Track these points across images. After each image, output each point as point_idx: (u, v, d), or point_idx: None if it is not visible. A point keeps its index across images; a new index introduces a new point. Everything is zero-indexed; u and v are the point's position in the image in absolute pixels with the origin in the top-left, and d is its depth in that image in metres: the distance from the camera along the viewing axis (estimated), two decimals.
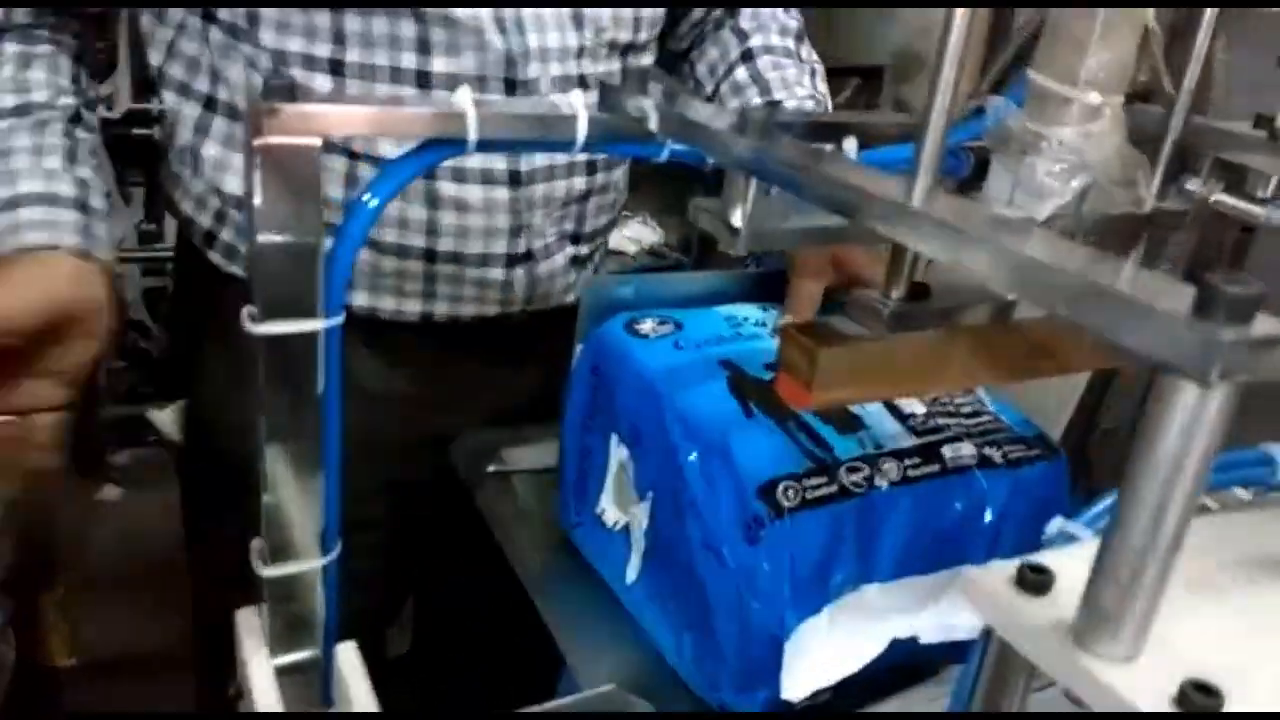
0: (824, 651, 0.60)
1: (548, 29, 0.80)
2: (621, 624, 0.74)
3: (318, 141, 0.46)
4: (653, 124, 0.51)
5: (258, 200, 0.46)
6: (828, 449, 0.62)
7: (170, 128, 0.86)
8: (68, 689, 1.97)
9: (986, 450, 0.65)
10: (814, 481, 0.60)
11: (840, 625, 0.61)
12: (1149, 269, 0.59)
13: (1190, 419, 0.26)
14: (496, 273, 0.88)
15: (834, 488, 0.60)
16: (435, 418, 0.95)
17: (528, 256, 0.88)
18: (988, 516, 0.64)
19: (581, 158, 0.87)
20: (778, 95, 0.96)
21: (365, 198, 0.50)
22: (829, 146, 0.54)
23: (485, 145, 0.50)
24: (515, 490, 0.92)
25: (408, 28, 0.76)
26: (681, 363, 0.68)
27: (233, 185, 0.84)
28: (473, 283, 0.88)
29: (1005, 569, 0.32)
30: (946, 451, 0.64)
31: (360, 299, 0.86)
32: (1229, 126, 0.74)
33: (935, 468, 0.63)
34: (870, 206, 0.38)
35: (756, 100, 0.97)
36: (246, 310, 0.48)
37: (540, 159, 0.84)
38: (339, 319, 0.50)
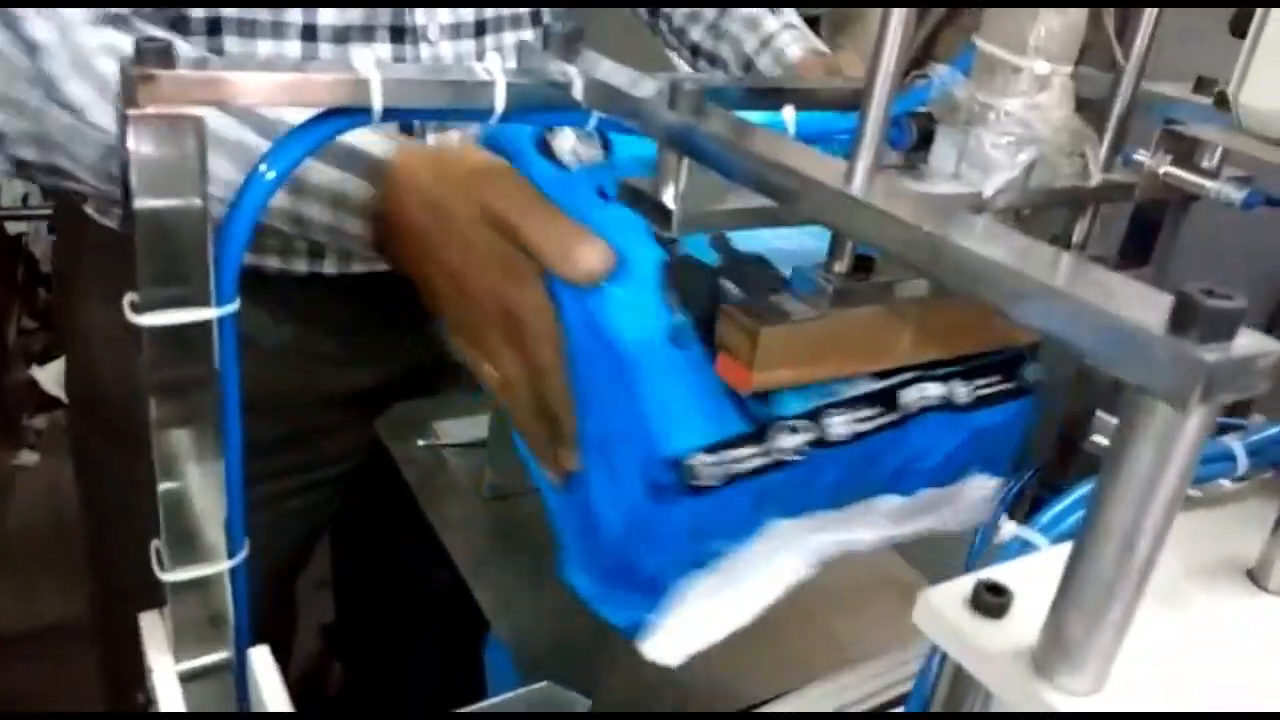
0: (710, 608, 0.54)
1: None
2: (558, 604, 0.72)
3: (201, 112, 0.41)
4: (577, 91, 0.47)
5: (135, 180, 0.41)
6: (766, 401, 0.52)
7: None
8: None
9: (954, 386, 0.57)
10: (742, 452, 0.50)
11: (735, 577, 0.54)
12: (1096, 250, 0.57)
13: (1165, 443, 0.24)
14: None
15: (765, 459, 0.51)
16: (340, 373, 0.91)
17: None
18: (936, 459, 0.58)
19: (469, 18, 0.81)
20: (765, 24, 0.94)
21: (262, 169, 0.45)
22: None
23: (392, 114, 0.46)
24: (447, 464, 0.89)
25: None
26: (606, 225, 0.51)
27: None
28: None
29: (960, 588, 0.29)
30: (906, 395, 0.55)
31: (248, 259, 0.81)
32: (1173, 92, 0.72)
33: (889, 418, 0.55)
34: (807, 192, 0.35)
35: (738, 29, 0.94)
36: (127, 299, 0.44)
37: (421, 15, 0.78)
38: (233, 305, 0.45)
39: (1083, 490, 0.34)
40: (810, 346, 0.49)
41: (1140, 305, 0.24)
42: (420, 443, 0.90)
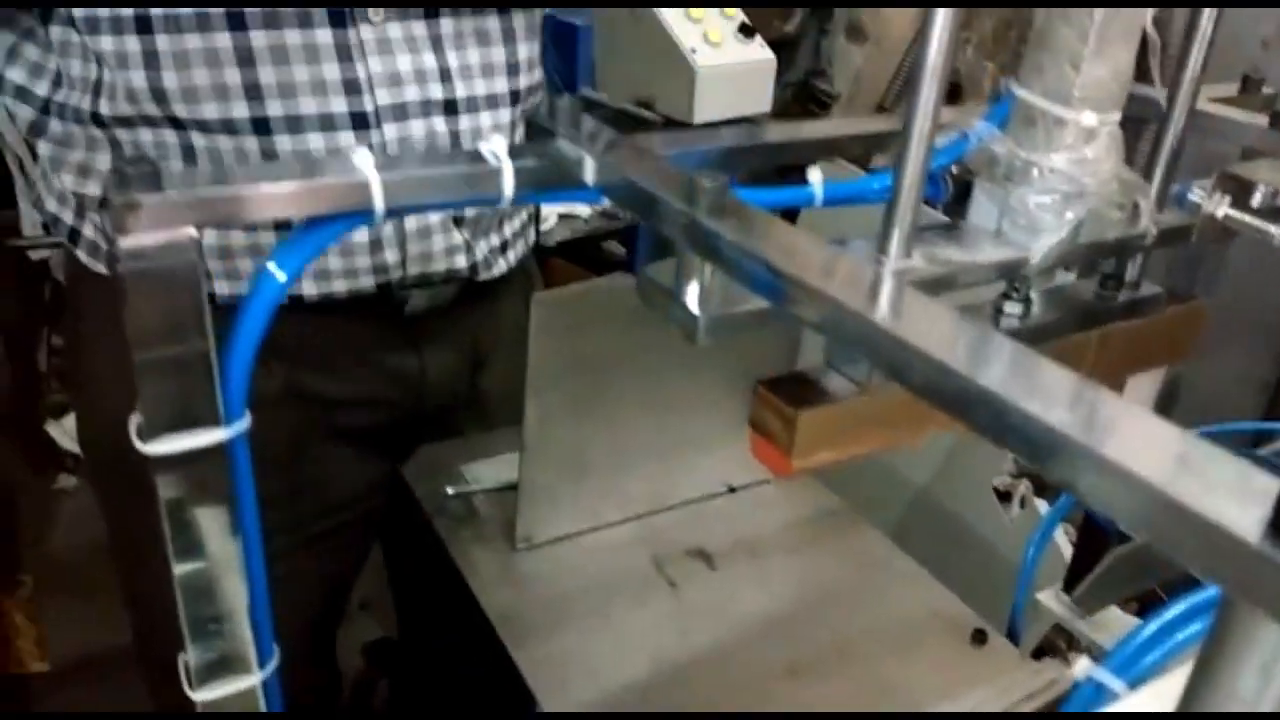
0: None
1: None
2: (596, 659, 0.71)
3: (193, 233, 0.39)
4: (588, 177, 0.44)
5: (130, 309, 0.39)
6: None
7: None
8: (41, 695, 1.93)
9: None
10: None
11: None
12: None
13: (1269, 658, 0.21)
14: (357, 236, 0.79)
15: None
16: (336, 413, 0.88)
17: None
18: None
19: (437, 95, 0.77)
20: None
21: (271, 270, 0.43)
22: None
23: (395, 212, 0.43)
24: (478, 513, 0.87)
25: (332, 70, 0.71)
26: None
27: (92, 189, 0.78)
28: (337, 251, 0.79)
29: None
30: None
31: (221, 287, 0.78)
32: (1221, 93, 0.68)
33: None
34: (832, 316, 0.32)
35: None
36: (134, 423, 0.42)
37: (385, 96, 0.74)
38: (244, 424, 0.43)
39: (1158, 624, 0.32)
40: (851, 425, 0.46)
41: (1234, 496, 0.21)
42: (449, 490, 0.88)
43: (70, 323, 0.95)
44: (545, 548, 0.82)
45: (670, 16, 1.55)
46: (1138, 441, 0.24)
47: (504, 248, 0.91)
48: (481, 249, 0.87)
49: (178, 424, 0.42)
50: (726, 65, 1.58)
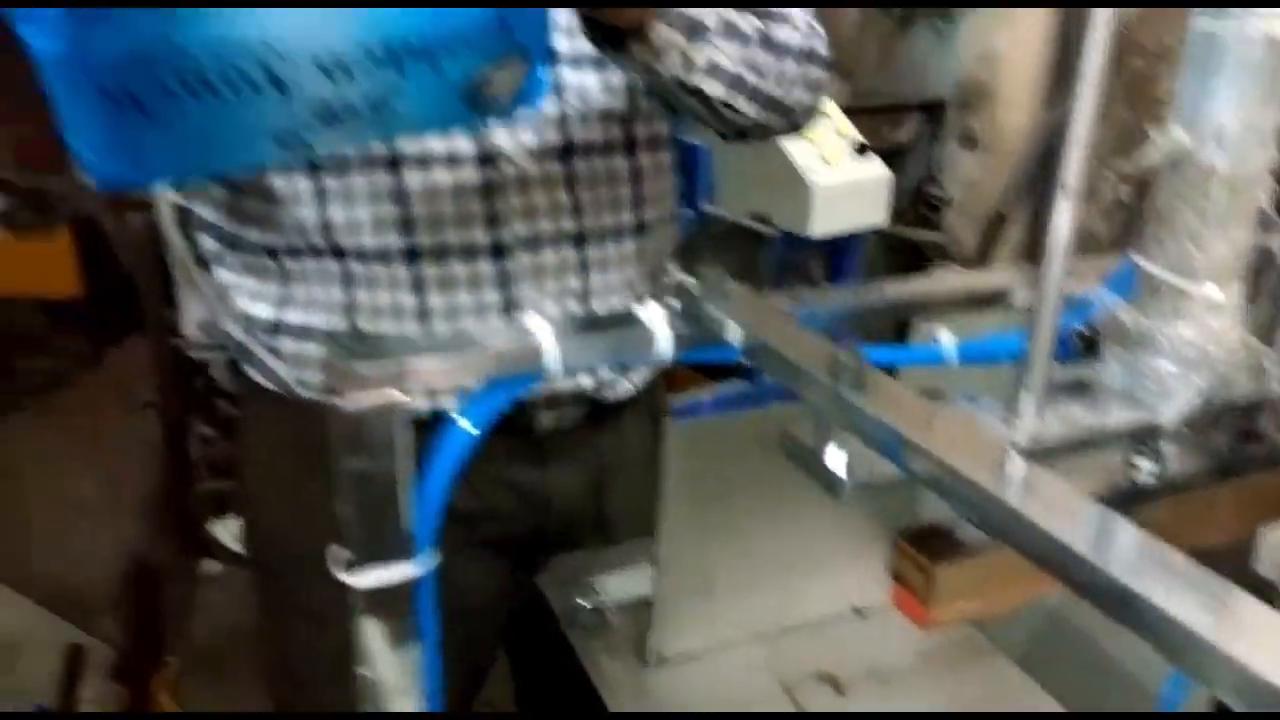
0: None
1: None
2: None
3: (399, 397, 0.46)
4: (732, 338, 0.49)
5: (342, 461, 0.45)
6: None
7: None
8: None
9: None
10: None
11: None
12: None
13: None
14: None
15: None
16: (471, 526, 0.92)
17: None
18: None
19: (569, 227, 0.84)
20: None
21: (459, 423, 0.49)
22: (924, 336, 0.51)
23: (569, 369, 0.49)
24: (610, 626, 0.90)
25: (476, 205, 0.78)
26: None
27: (261, 311, 0.86)
28: None
29: None
30: None
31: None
32: None
33: None
34: (969, 499, 0.36)
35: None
36: (332, 555, 0.48)
37: (521, 228, 0.82)
38: (433, 560, 0.49)
39: None
40: (990, 577, 0.48)
41: None
42: (581, 602, 0.92)
43: (240, 436, 1.03)
44: (676, 663, 0.85)
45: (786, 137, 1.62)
46: (1266, 639, 0.26)
47: (628, 370, 0.97)
48: (607, 372, 0.93)
49: (375, 557, 0.48)
50: (843, 183, 1.64)
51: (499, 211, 0.81)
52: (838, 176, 1.63)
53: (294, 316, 0.84)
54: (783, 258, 1.79)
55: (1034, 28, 2.31)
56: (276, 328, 0.85)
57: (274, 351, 0.86)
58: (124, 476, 2.77)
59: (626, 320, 0.51)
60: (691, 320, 0.51)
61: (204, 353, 2.69)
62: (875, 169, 1.72)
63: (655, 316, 0.51)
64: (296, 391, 0.86)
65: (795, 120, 0.89)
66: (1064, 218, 0.43)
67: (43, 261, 3.15)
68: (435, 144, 0.78)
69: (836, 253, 1.89)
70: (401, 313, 0.82)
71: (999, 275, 0.61)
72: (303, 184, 0.78)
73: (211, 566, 2.69)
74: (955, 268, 2.31)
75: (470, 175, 0.79)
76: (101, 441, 2.93)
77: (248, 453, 0.98)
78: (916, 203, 2.50)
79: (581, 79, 0.82)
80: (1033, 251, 2.43)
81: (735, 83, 0.77)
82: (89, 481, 2.76)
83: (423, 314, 0.82)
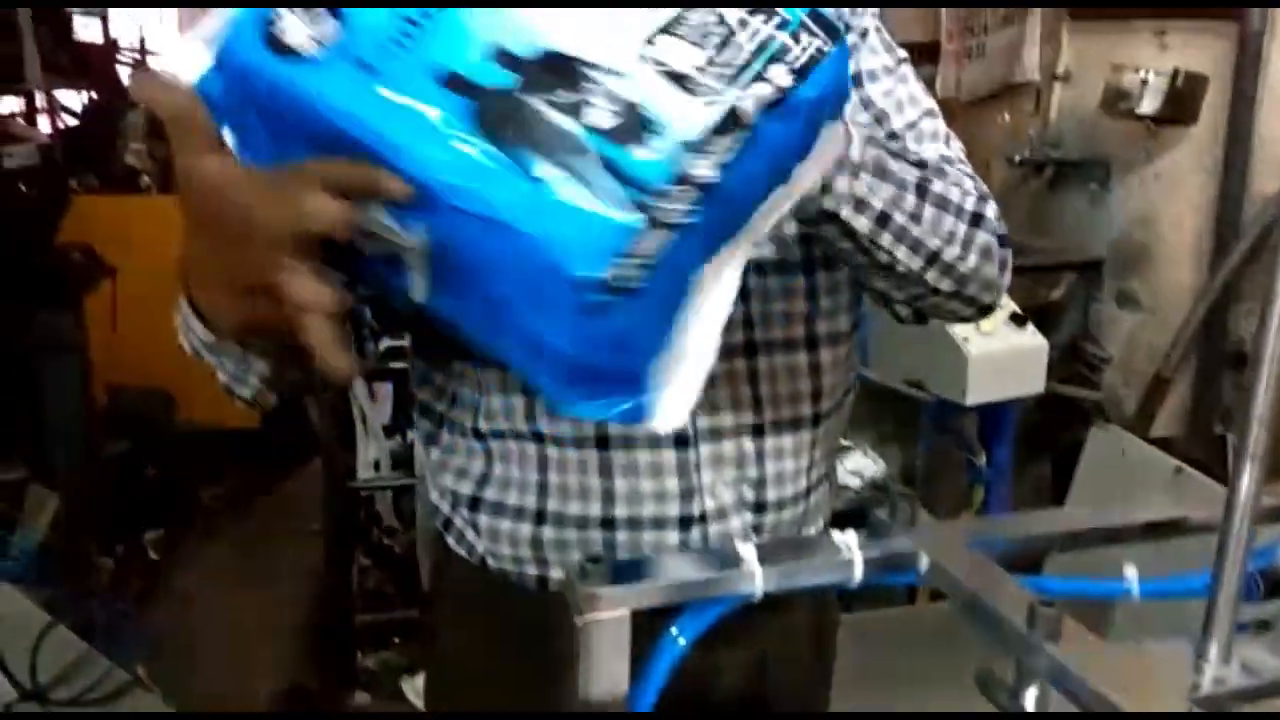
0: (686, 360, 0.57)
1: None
2: None
3: (626, 613, 0.52)
4: (922, 568, 0.53)
5: (584, 668, 0.51)
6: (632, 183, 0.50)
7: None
8: None
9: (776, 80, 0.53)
10: (645, 245, 0.50)
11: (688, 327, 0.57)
12: None
13: None
14: (671, 536, 0.89)
15: (665, 233, 0.51)
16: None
17: (702, 519, 0.89)
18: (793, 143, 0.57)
19: (748, 420, 0.87)
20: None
21: (674, 634, 0.55)
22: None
23: (768, 593, 0.54)
24: None
25: None
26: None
27: (464, 488, 0.93)
28: (650, 550, 0.89)
29: None
30: (744, 104, 0.52)
31: (555, 574, 0.90)
32: None
33: (741, 134, 0.52)
34: None
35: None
36: None
37: (703, 420, 0.86)
38: None
39: None
40: None
41: None
42: None
43: (431, 595, 1.10)
44: None
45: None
46: None
47: None
48: None
49: None
50: (998, 352, 1.66)
51: None
52: (994, 346, 1.65)
53: (491, 494, 0.91)
54: (938, 418, 1.81)
55: (1192, 191, 2.31)
56: (476, 503, 0.93)
57: (473, 525, 0.94)
58: (285, 601, 2.92)
59: (823, 546, 0.56)
60: (884, 550, 0.56)
61: (370, 488, 2.86)
62: (1031, 338, 1.74)
63: (850, 543, 0.56)
64: (489, 563, 0.94)
65: (972, 292, 0.83)
66: (1245, 480, 0.46)
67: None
68: None
69: (992, 413, 1.89)
70: (589, 495, 0.87)
71: (1170, 508, 0.63)
72: (513, 373, 0.86)
73: (360, 698, 2.77)
74: (1114, 428, 2.26)
75: None
76: (267, 566, 3.12)
77: (440, 617, 1.05)
78: (1073, 360, 2.47)
79: (764, 283, 0.88)
80: (1195, 415, 2.36)
81: (881, 219, 0.74)
82: (252, 604, 2.92)
83: (607, 498, 0.87)
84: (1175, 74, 2.21)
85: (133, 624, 2.59)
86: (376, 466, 2.82)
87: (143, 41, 4.17)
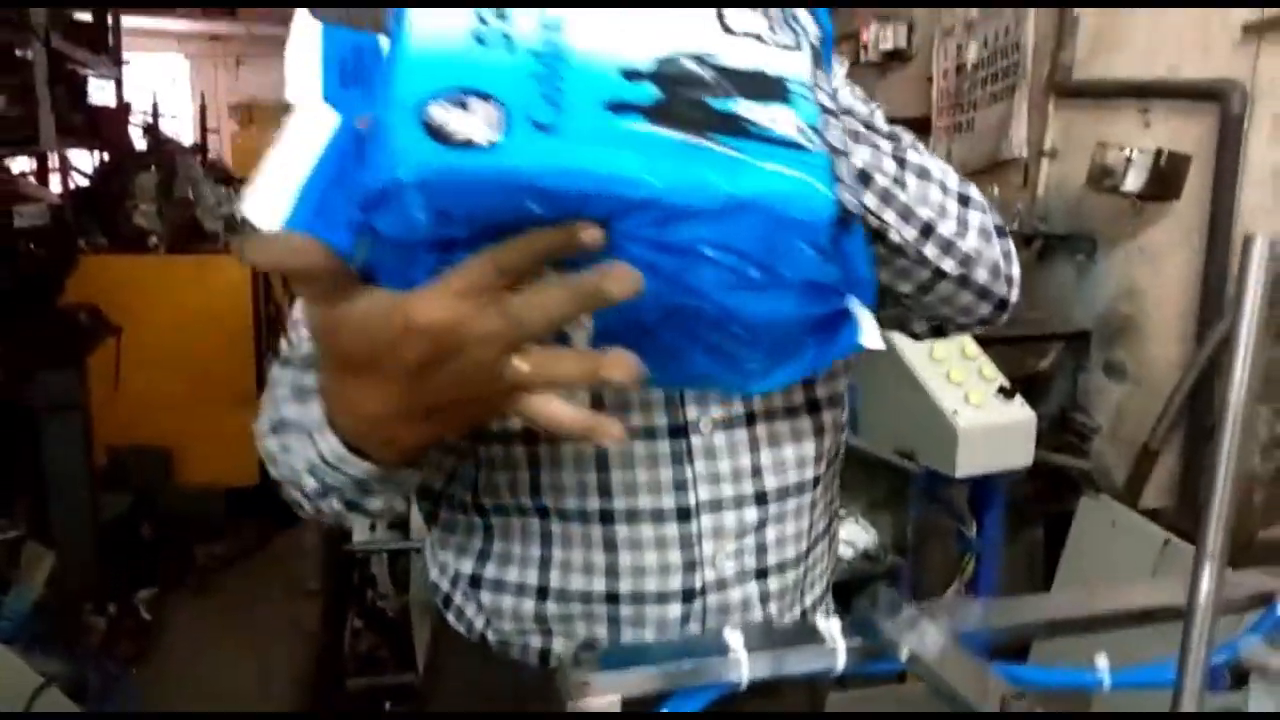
0: None
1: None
2: None
3: (617, 698, 0.54)
4: (902, 657, 0.56)
5: None
6: None
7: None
8: None
9: None
10: None
11: None
12: None
13: None
14: (674, 609, 0.88)
15: None
16: None
17: (703, 591, 0.89)
18: None
19: (748, 490, 0.88)
20: None
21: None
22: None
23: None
24: None
25: (666, 472, 0.85)
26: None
27: (465, 566, 0.94)
28: (654, 623, 0.89)
29: None
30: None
31: (558, 645, 0.90)
32: None
33: None
34: None
35: None
36: None
37: (705, 492, 0.87)
38: None
39: None
40: None
41: None
42: None
43: (430, 675, 1.09)
44: None
45: (931, 379, 1.70)
46: None
47: None
48: None
49: None
50: (987, 425, 1.69)
51: (686, 478, 0.87)
52: (982, 419, 1.68)
53: (492, 571, 0.92)
54: (928, 488, 1.83)
55: (1177, 265, 2.36)
56: (476, 581, 0.93)
57: (474, 602, 0.95)
58: (276, 662, 2.90)
59: (809, 634, 0.59)
60: (869, 636, 0.59)
61: (365, 551, 2.85)
62: (1020, 411, 1.77)
63: (834, 632, 0.58)
64: (490, 638, 0.95)
65: (982, 280, 0.81)
66: (1205, 582, 0.49)
67: (228, 452, 3.47)
68: (635, 418, 0.86)
69: (982, 483, 1.91)
70: (592, 570, 0.88)
71: (1154, 592, 0.65)
72: (519, 450, 0.87)
73: None
74: (1104, 499, 2.28)
75: (663, 447, 0.86)
76: (260, 627, 3.10)
77: (437, 691, 1.06)
78: (1063, 430, 2.50)
79: None
80: (1184, 486, 2.38)
81: (863, 178, 0.72)
82: (245, 664, 2.89)
83: (611, 572, 0.87)
84: (1159, 153, 2.28)
85: (125, 685, 2.57)
86: (372, 528, 2.82)
87: (155, 106, 4.26)
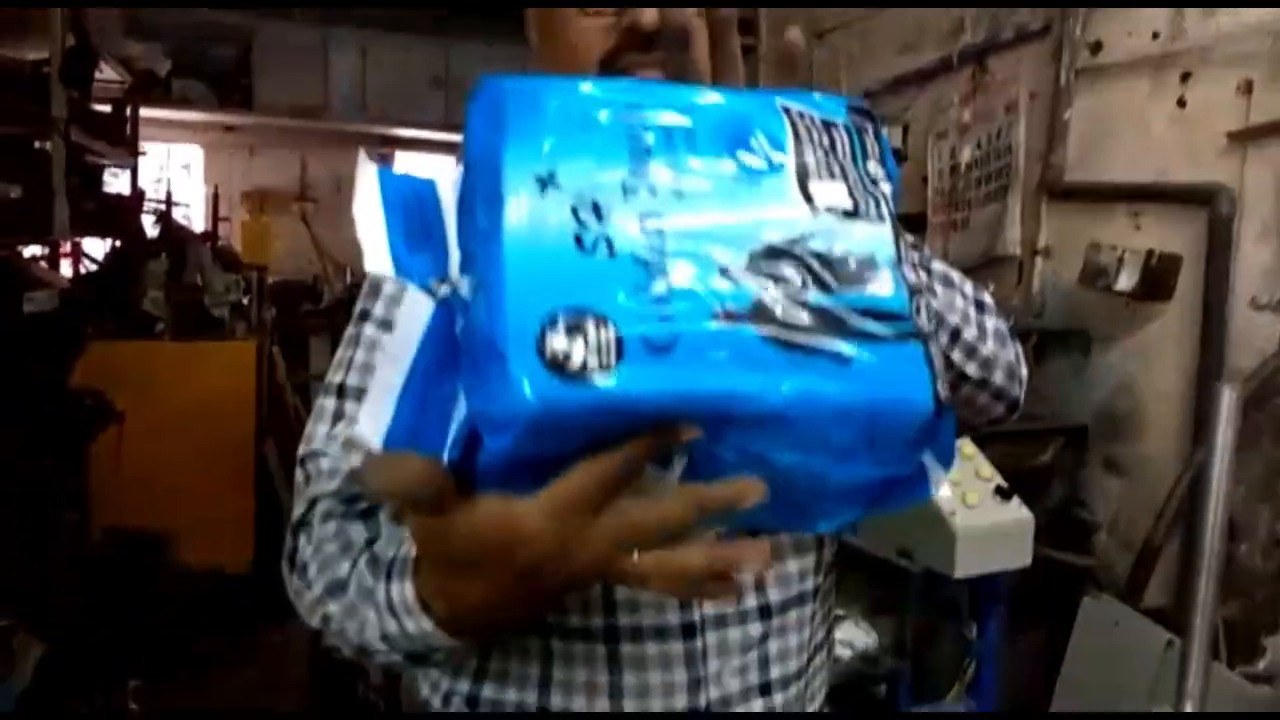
0: None
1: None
2: None
3: None
4: None
5: None
6: None
7: None
8: None
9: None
10: None
11: None
12: None
13: None
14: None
15: None
16: None
17: (708, 710, 0.87)
18: None
19: (752, 604, 0.87)
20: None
21: None
22: None
23: None
24: None
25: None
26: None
27: (461, 686, 0.90)
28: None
29: None
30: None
31: None
32: None
33: None
34: None
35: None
36: None
37: (710, 607, 0.85)
38: None
39: None
40: None
41: None
42: None
43: None
44: None
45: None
46: None
47: None
48: None
49: None
50: (985, 526, 1.69)
51: None
52: (980, 520, 1.68)
53: (489, 691, 0.88)
54: (928, 589, 1.82)
55: (1172, 363, 2.39)
56: (473, 701, 0.89)
57: None
58: None
59: None
60: None
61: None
62: (1017, 511, 1.77)
63: None
64: None
65: (999, 382, 0.83)
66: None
67: (224, 537, 3.45)
68: None
69: (982, 584, 1.90)
70: (595, 690, 0.85)
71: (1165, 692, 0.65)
72: None
73: None
74: (1107, 598, 2.26)
75: None
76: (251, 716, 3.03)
77: None
78: (1064, 526, 2.49)
79: None
80: (1184, 584, 2.36)
81: (941, 322, 0.73)
82: None
83: (615, 692, 0.85)
84: (1150, 254, 2.32)
85: None
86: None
87: (169, 194, 4.36)
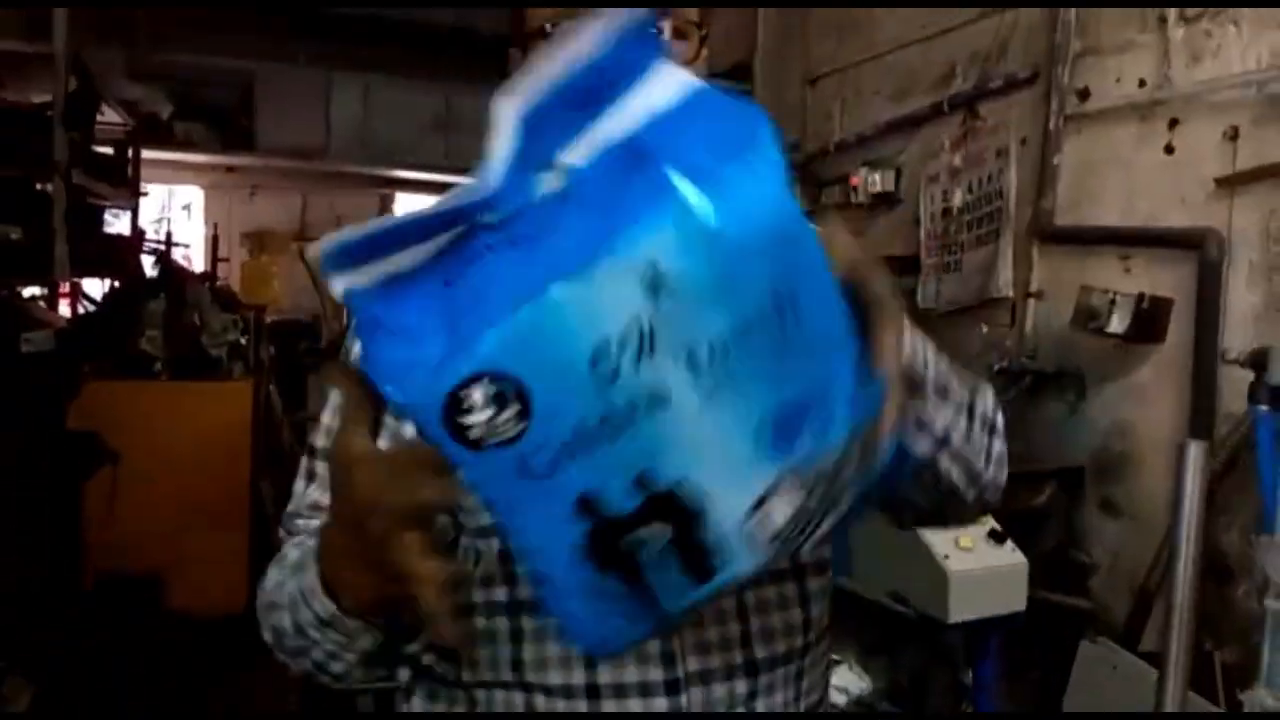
0: None
1: None
2: None
3: None
4: None
5: None
6: None
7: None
8: None
9: None
10: None
11: None
12: None
13: None
14: None
15: None
16: None
17: None
18: None
19: (738, 660, 0.86)
20: None
21: None
22: None
23: None
24: None
25: (653, 642, 0.83)
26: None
27: None
28: None
29: None
30: None
31: None
32: None
33: None
34: None
35: None
36: None
37: (694, 663, 0.84)
38: None
39: None
40: None
41: None
42: None
43: None
44: None
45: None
46: None
47: None
48: None
49: None
50: (979, 570, 1.69)
51: (674, 649, 0.84)
52: (973, 564, 1.68)
53: None
54: (922, 633, 1.81)
55: (1165, 404, 2.40)
56: None
57: None
58: None
59: None
60: None
61: (349, 688, 2.79)
62: (1011, 555, 1.77)
63: None
64: None
65: (989, 498, 0.84)
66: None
67: (217, 578, 3.42)
68: None
69: (978, 628, 1.89)
70: None
71: None
72: (501, 623, 0.85)
73: None
74: (1104, 642, 2.24)
75: None
76: None
77: None
78: (1060, 567, 2.48)
79: None
80: (1164, 635, 2.35)
81: (940, 444, 0.74)
82: None
83: None
84: (1141, 297, 2.34)
85: None
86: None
87: (169, 235, 4.39)
